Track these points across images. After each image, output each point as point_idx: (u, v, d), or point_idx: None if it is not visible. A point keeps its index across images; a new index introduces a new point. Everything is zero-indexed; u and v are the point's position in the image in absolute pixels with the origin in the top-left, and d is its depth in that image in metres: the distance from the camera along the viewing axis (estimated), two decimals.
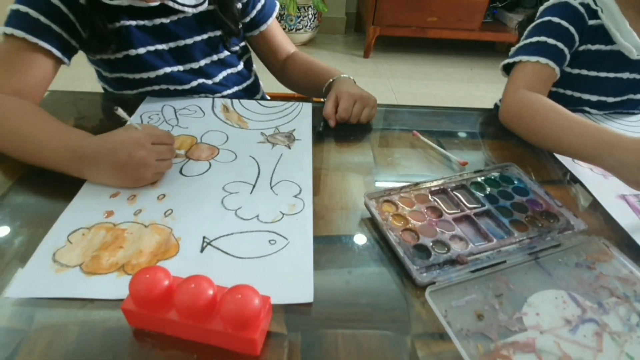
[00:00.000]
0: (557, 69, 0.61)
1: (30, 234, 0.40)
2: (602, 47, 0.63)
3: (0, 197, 0.44)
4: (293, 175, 0.49)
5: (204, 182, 0.48)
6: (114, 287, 0.35)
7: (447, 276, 0.37)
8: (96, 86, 0.71)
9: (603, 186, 0.52)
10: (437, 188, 0.48)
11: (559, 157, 0.57)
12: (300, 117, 0.61)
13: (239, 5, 0.67)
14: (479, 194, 0.47)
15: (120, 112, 0.46)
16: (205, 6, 0.63)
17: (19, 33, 0.51)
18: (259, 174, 0.50)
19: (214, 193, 0.46)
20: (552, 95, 0.67)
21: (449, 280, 0.36)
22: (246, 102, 0.64)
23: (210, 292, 0.29)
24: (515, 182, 0.50)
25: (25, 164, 0.48)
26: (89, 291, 0.34)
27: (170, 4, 0.59)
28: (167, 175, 0.48)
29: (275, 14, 0.73)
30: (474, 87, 2.14)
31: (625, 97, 0.68)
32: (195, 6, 0.62)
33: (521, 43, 0.65)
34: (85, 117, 0.60)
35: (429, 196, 0.46)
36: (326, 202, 0.46)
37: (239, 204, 0.45)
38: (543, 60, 0.61)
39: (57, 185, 0.45)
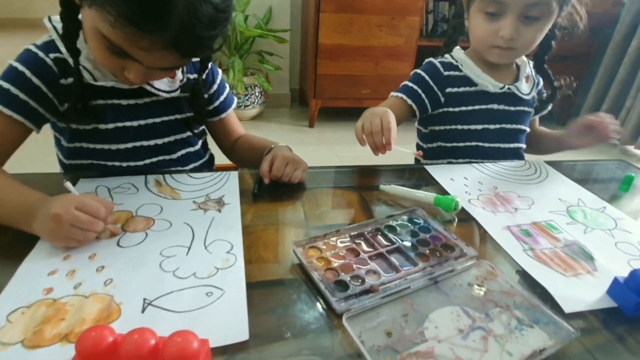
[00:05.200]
0: (413, 105, 0.88)
1: None
2: (468, 89, 0.88)
3: None
4: (225, 234, 0.55)
5: (141, 250, 0.51)
6: (58, 356, 0.37)
7: (361, 304, 0.43)
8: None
9: (491, 221, 0.62)
10: (356, 232, 0.56)
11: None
12: (228, 184, 0.68)
13: (206, 96, 0.77)
14: (391, 235, 0.56)
15: (68, 185, 0.52)
16: (177, 93, 0.72)
17: None
18: (193, 237, 0.54)
19: (152, 259, 0.50)
20: (453, 132, 0.90)
21: (363, 307, 0.43)
22: (177, 176, 0.69)
23: (153, 341, 0.33)
24: (421, 222, 0.59)
25: None
26: None
27: (148, 87, 0.67)
28: (104, 249, 0.51)
29: (234, 105, 0.85)
30: (408, 147, 2.37)
31: (499, 126, 0.89)
32: (169, 92, 0.70)
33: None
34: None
35: (349, 240, 0.54)
36: (261, 253, 0.52)
37: (176, 265, 0.49)
38: (399, 94, 0.88)
39: None
